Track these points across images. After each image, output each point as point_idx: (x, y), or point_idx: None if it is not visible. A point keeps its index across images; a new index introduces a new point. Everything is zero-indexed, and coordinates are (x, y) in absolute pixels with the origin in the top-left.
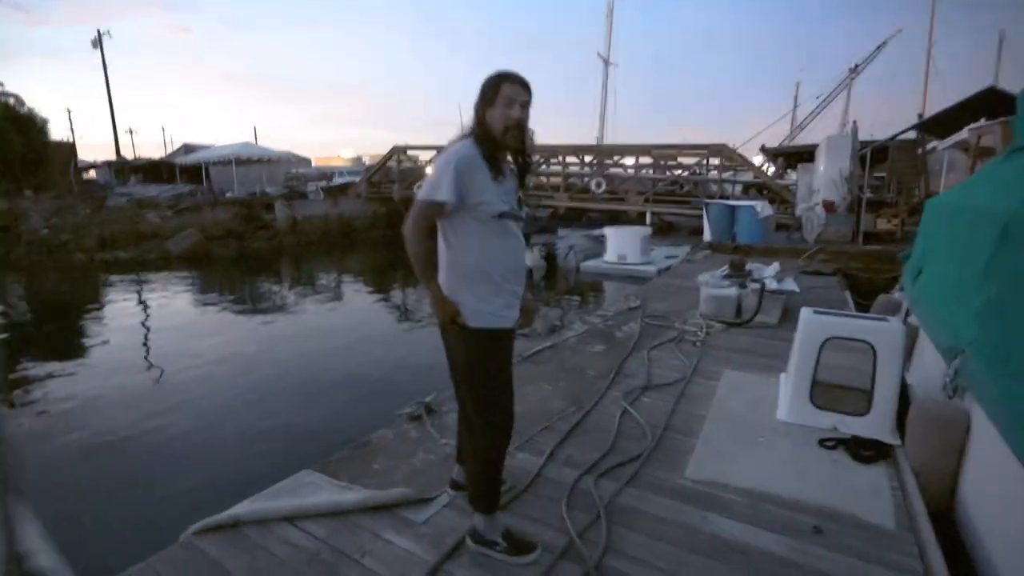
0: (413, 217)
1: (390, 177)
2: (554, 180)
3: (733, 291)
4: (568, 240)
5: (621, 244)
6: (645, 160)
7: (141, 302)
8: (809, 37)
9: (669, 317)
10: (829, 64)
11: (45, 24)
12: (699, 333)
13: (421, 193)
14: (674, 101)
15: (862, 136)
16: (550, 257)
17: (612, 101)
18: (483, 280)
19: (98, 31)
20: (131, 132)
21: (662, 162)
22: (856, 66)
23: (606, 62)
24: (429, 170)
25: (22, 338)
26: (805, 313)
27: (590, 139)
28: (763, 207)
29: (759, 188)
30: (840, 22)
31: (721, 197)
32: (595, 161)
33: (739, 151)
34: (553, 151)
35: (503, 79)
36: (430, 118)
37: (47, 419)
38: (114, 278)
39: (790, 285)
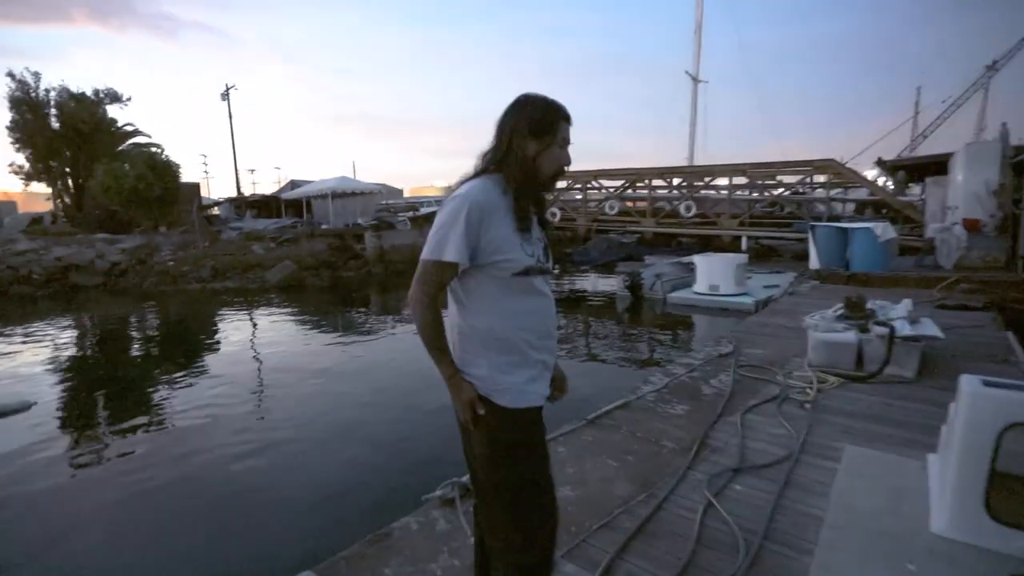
0: (419, 280)
1: None
2: (640, 205)
3: (851, 336)
4: (655, 268)
5: (712, 273)
6: (739, 180)
7: (239, 328)
8: (931, 36)
9: (769, 367)
10: (957, 64)
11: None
12: (808, 391)
13: (426, 250)
14: (771, 117)
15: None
16: (635, 287)
17: (702, 120)
18: (504, 348)
19: (226, 85)
20: (252, 171)
21: (759, 182)
22: (994, 63)
23: (695, 79)
24: (437, 216)
25: (140, 354)
26: (970, 386)
27: (679, 161)
28: (883, 228)
29: (876, 207)
30: (969, 17)
31: (830, 218)
32: (684, 184)
33: (849, 166)
34: (639, 175)
35: (562, 115)
36: None
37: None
38: (220, 305)
39: (929, 329)
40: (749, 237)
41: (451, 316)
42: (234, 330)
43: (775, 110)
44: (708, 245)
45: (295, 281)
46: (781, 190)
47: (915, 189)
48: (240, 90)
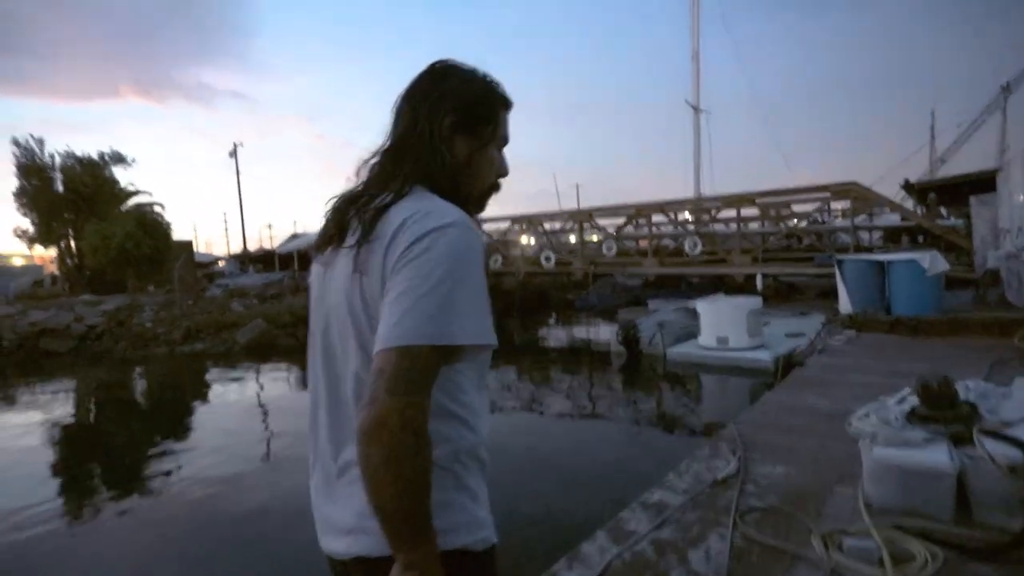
0: (404, 387)
1: None
2: (642, 244)
3: (942, 457)
4: (659, 315)
5: (720, 322)
6: (751, 212)
7: (183, 400)
8: (939, 60)
9: (797, 511)
10: (968, 87)
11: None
12: None
13: (415, 325)
14: (782, 147)
15: None
16: (630, 340)
17: (707, 151)
18: (477, 465)
19: (234, 144)
20: (269, 226)
21: (772, 212)
22: (1008, 84)
23: (696, 108)
24: (419, 265)
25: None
26: None
27: (685, 195)
28: (932, 259)
29: (911, 233)
30: (978, 39)
31: (857, 249)
32: (690, 219)
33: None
34: (638, 211)
35: (503, 100)
36: (533, 189)
37: None
38: (178, 373)
39: None
40: (764, 275)
41: None
42: (168, 408)
43: (785, 141)
44: (721, 285)
45: (265, 341)
46: (796, 220)
47: (943, 213)
48: (265, 150)
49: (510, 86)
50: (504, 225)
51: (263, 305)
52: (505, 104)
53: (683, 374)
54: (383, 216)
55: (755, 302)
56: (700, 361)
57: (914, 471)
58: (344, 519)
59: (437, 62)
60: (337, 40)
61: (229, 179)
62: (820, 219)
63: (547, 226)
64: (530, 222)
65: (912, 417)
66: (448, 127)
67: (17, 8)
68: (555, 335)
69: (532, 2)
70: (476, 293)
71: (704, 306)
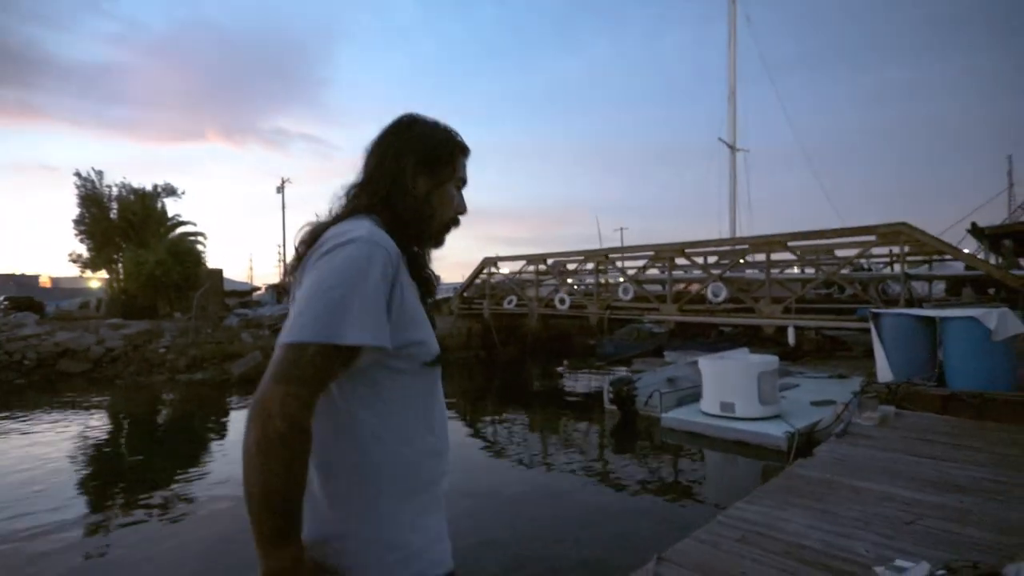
0: (284, 378)
1: (483, 292)
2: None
3: None
4: (671, 369)
5: (724, 385)
6: (784, 257)
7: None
8: (1010, 109)
9: None
10: None
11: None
12: None
13: (301, 325)
14: (829, 197)
15: None
16: (623, 399)
17: (744, 193)
18: (410, 486)
19: (282, 179)
20: None
21: (808, 257)
22: None
23: (731, 147)
24: (318, 272)
25: None
26: None
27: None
28: (1000, 318)
29: (981, 285)
30: None
31: (908, 302)
32: (718, 262)
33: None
34: (656, 253)
35: (460, 146)
36: (584, 233)
37: None
38: (173, 399)
39: None
40: (797, 327)
41: (321, 446)
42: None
43: (835, 191)
44: (755, 336)
45: (260, 374)
46: (837, 266)
47: (1021, 264)
48: (331, 188)
49: (566, 139)
50: (519, 265)
51: (275, 338)
52: (463, 150)
53: (681, 444)
54: (321, 236)
55: (770, 361)
56: (700, 431)
57: None
58: None
59: (404, 114)
60: (403, 92)
61: (291, 216)
62: (867, 266)
63: (569, 267)
64: (544, 261)
65: None
66: (411, 166)
67: (127, 62)
68: (565, 384)
69: (592, 60)
70: (370, 299)
71: (707, 364)
